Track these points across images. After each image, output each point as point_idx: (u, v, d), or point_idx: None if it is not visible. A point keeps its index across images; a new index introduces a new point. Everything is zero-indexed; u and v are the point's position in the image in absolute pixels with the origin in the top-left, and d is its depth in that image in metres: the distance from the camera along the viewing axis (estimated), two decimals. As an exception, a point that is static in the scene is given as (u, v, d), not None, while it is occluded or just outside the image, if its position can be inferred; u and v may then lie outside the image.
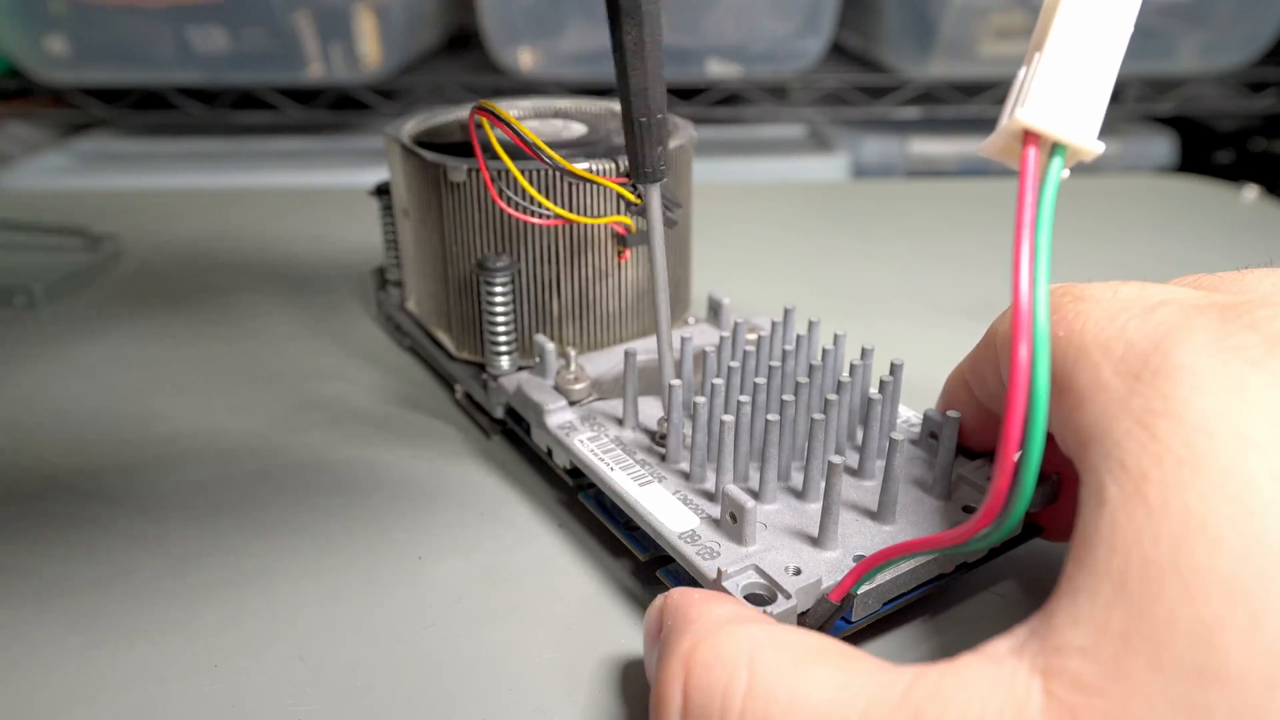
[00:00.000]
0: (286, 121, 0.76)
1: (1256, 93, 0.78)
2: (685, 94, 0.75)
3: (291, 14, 0.67)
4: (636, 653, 0.22)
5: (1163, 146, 0.78)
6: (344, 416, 0.32)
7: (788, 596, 0.20)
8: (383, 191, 0.35)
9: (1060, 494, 0.23)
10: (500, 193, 0.27)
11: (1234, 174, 0.79)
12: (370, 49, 0.69)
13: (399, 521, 0.27)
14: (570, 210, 0.28)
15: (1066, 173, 0.16)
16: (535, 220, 0.27)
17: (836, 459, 0.21)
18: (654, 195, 0.25)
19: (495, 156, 0.26)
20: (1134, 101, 0.79)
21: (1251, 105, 0.78)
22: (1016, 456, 0.15)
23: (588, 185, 0.28)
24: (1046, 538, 0.24)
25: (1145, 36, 0.72)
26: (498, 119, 0.25)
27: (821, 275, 0.46)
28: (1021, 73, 0.16)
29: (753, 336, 0.30)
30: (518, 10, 0.68)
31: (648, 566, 0.23)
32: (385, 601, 0.23)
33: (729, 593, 0.20)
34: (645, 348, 0.30)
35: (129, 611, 0.23)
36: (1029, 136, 0.15)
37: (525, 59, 0.70)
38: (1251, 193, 0.58)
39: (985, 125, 0.81)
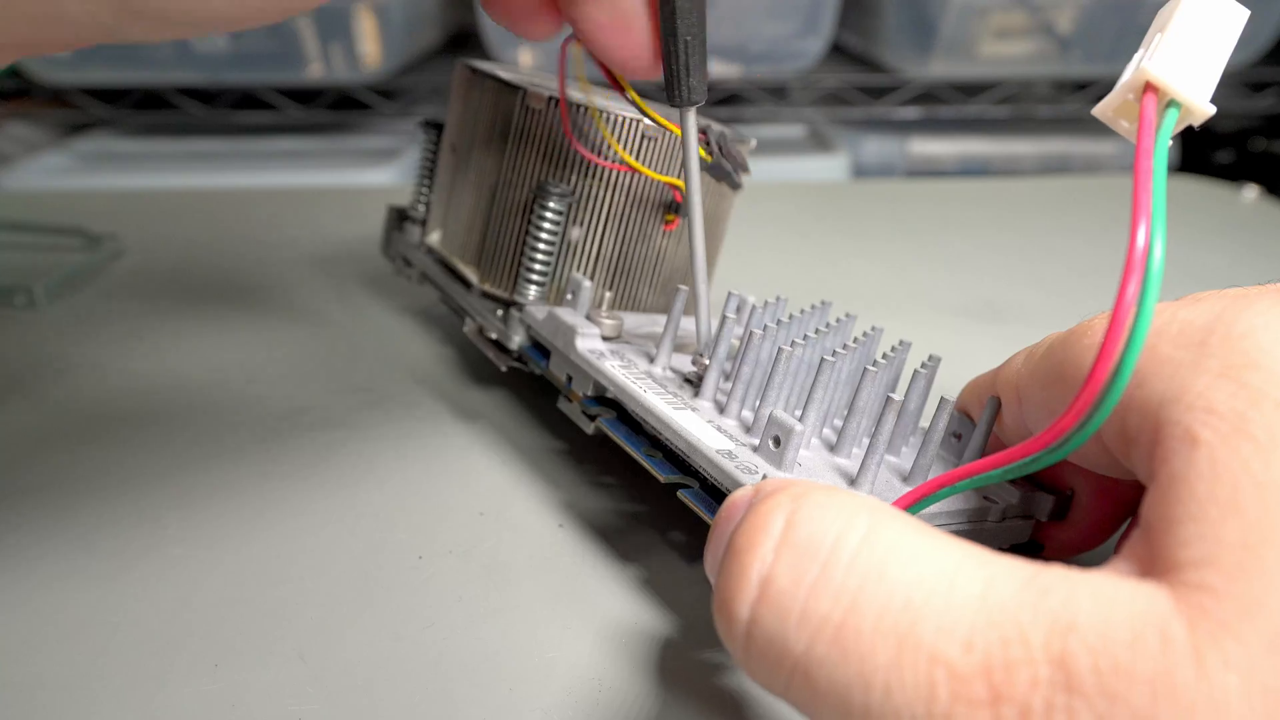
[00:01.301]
0: (286, 121, 0.76)
1: (1256, 93, 0.78)
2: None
3: (291, 14, 0.67)
4: (638, 652, 0.22)
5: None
6: (343, 415, 0.32)
7: None
8: (432, 125, 0.35)
9: (1069, 512, 0.22)
10: (574, 127, 0.28)
11: (1234, 174, 0.79)
12: (370, 49, 0.70)
13: (399, 521, 0.27)
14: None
15: (1171, 142, 0.16)
16: (601, 162, 0.28)
17: (897, 396, 0.20)
18: (690, 119, 0.25)
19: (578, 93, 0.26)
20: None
21: (1251, 105, 0.78)
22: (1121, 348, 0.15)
23: (658, 143, 0.28)
24: (1045, 556, 0.23)
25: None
26: (611, 77, 0.25)
27: (821, 275, 0.46)
28: (1140, 53, 0.17)
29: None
30: (518, 10, 0.68)
31: (667, 491, 0.22)
32: (385, 601, 0.23)
33: None
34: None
35: (128, 611, 0.23)
36: (1149, 89, 0.16)
37: (525, 59, 0.70)
38: (1251, 193, 0.58)
39: (985, 125, 0.81)
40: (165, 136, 0.78)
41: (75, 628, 0.23)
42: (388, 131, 0.81)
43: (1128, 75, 0.17)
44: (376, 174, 0.69)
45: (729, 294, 0.27)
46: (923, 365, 0.24)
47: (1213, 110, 0.17)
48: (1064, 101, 0.80)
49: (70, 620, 0.23)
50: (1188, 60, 0.17)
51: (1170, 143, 0.16)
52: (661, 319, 0.30)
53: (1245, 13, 0.17)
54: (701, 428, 0.22)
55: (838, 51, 0.82)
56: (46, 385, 0.34)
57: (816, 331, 0.25)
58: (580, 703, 0.20)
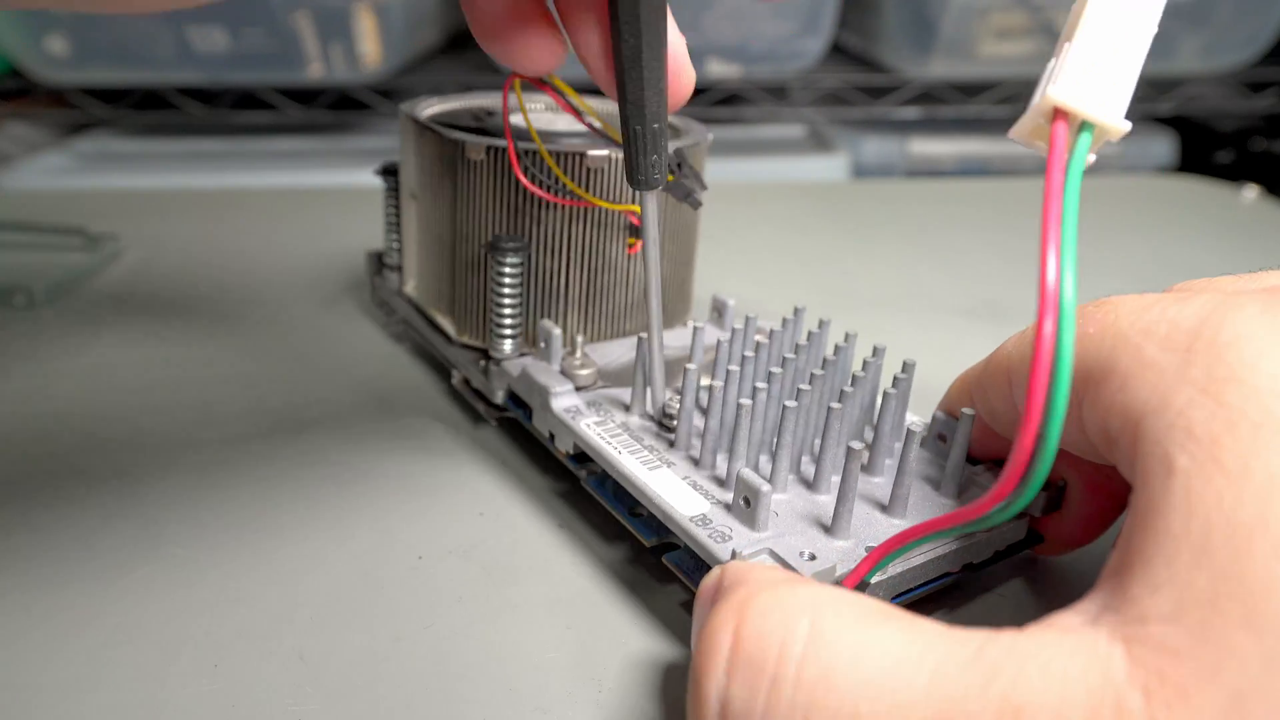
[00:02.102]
0: (286, 121, 0.76)
1: (1256, 93, 0.78)
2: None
3: (291, 14, 0.67)
4: (638, 652, 0.22)
5: (1163, 146, 0.78)
6: (343, 415, 0.32)
7: None
8: (389, 172, 0.34)
9: (1064, 503, 0.22)
10: (524, 170, 0.27)
11: (1234, 174, 0.79)
12: (370, 49, 0.70)
13: (399, 521, 0.27)
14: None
15: (1092, 157, 0.16)
16: (555, 199, 0.27)
17: (856, 444, 0.20)
18: (650, 203, 0.25)
19: (523, 136, 0.26)
20: (1134, 101, 0.78)
21: (1251, 105, 0.78)
22: (1038, 424, 0.15)
23: (608, 171, 0.28)
24: (1044, 550, 0.24)
25: (1145, 36, 0.72)
26: (543, 83, 0.25)
27: (821, 275, 0.46)
28: (1052, 63, 0.17)
29: (762, 334, 0.30)
30: (518, 10, 0.68)
31: (652, 553, 0.23)
32: (385, 601, 0.23)
33: None
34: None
35: (128, 611, 0.23)
36: (1059, 115, 0.16)
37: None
38: (1251, 193, 0.58)
39: (985, 125, 0.81)
40: (165, 136, 0.78)
41: (75, 628, 0.22)
42: (388, 132, 0.81)
43: (1038, 96, 0.16)
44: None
45: (695, 327, 0.27)
46: (899, 374, 0.24)
47: (1128, 126, 0.16)
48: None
49: (70, 620, 0.23)
50: (1097, 74, 0.16)
51: (1090, 160, 0.16)
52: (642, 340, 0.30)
53: (1160, 3, 0.17)
54: (676, 489, 0.23)
55: (838, 51, 0.82)
56: (46, 385, 0.34)
57: (784, 361, 0.25)
58: (580, 703, 0.20)
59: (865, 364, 0.25)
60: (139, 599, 0.23)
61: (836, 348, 0.26)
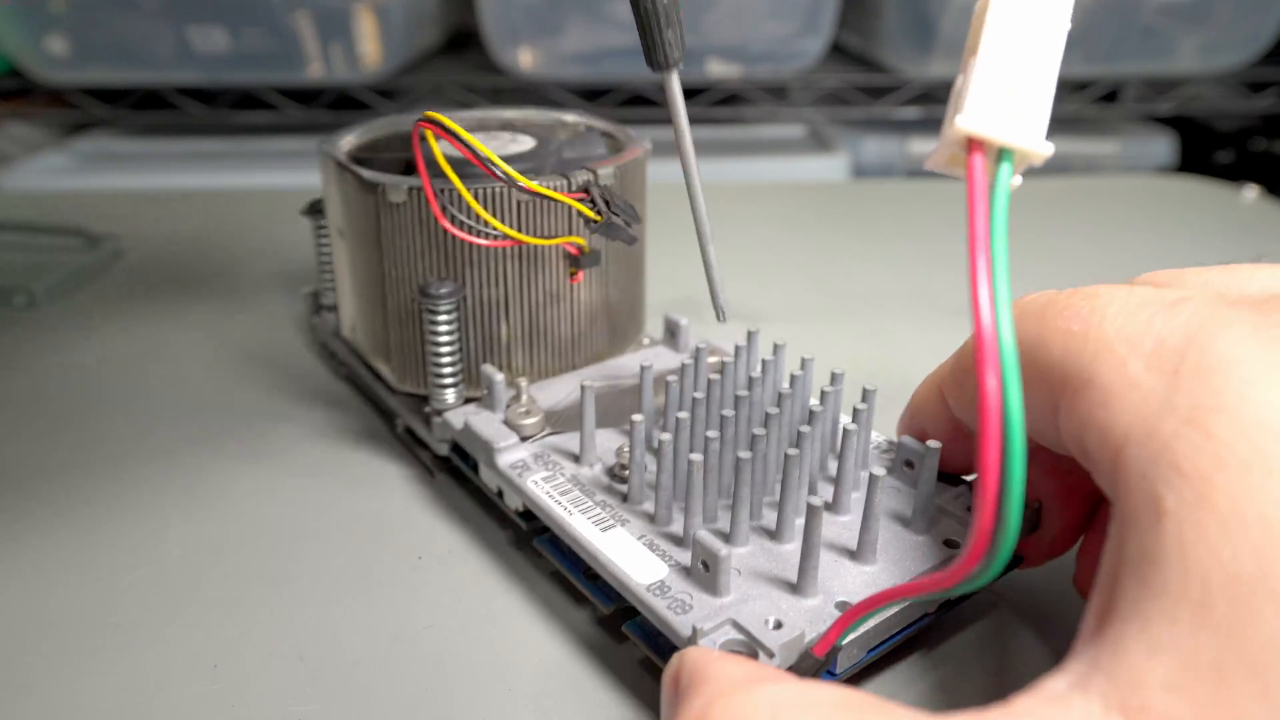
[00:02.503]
0: (286, 121, 0.76)
1: (1256, 93, 0.78)
2: (685, 94, 0.74)
3: (291, 14, 0.67)
4: (639, 653, 0.22)
5: (1163, 146, 0.78)
6: (345, 416, 0.32)
7: (770, 655, 0.18)
8: (315, 210, 0.32)
9: (1041, 521, 0.22)
10: (445, 212, 0.25)
11: (1234, 174, 0.79)
12: (370, 49, 0.69)
13: (400, 522, 0.27)
14: (520, 230, 0.26)
15: (1018, 179, 0.15)
16: (483, 242, 0.26)
17: (815, 500, 0.19)
18: (673, 82, 0.24)
19: (441, 173, 0.24)
20: (1134, 101, 0.79)
21: (1251, 105, 0.78)
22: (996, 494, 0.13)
23: (539, 203, 0.26)
24: (1025, 566, 0.23)
25: (1145, 36, 0.72)
26: (445, 131, 0.24)
27: (821, 275, 0.46)
28: (959, 80, 0.16)
29: (714, 360, 0.28)
30: (518, 10, 0.68)
31: (614, 617, 0.22)
32: (385, 601, 0.23)
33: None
34: (599, 374, 0.28)
35: (128, 612, 0.23)
36: (973, 144, 0.15)
37: (525, 59, 0.70)
38: (1251, 193, 0.58)
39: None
40: (165, 136, 0.78)
41: (75, 628, 0.23)
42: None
43: (947, 124, 0.15)
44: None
45: (642, 367, 0.25)
46: (859, 404, 0.23)
47: (1050, 150, 0.15)
48: (1064, 101, 0.80)
49: (70, 620, 0.23)
50: (1008, 96, 0.15)
51: (1015, 184, 0.14)
52: (593, 373, 0.29)
53: (1066, 10, 0.15)
54: (631, 551, 0.21)
55: (838, 51, 0.82)
56: (46, 385, 0.34)
57: (737, 401, 0.23)
58: (580, 703, 0.20)
59: (824, 394, 0.24)
60: (139, 599, 0.23)
61: (793, 377, 0.24)
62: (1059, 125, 0.81)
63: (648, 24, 0.23)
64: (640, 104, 0.73)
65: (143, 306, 0.41)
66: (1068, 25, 0.15)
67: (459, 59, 0.82)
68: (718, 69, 0.73)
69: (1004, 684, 0.21)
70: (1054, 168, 0.78)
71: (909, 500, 0.23)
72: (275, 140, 0.77)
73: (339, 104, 0.76)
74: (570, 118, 0.34)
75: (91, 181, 0.69)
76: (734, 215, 0.54)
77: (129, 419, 0.32)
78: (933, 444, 0.21)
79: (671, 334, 0.31)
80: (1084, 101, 0.77)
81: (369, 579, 0.24)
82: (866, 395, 0.24)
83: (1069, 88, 0.83)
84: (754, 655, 0.18)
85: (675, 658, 0.18)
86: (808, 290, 0.44)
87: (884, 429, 0.25)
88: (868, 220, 0.55)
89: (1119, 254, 0.49)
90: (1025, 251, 0.50)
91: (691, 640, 0.19)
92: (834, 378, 0.24)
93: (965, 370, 0.21)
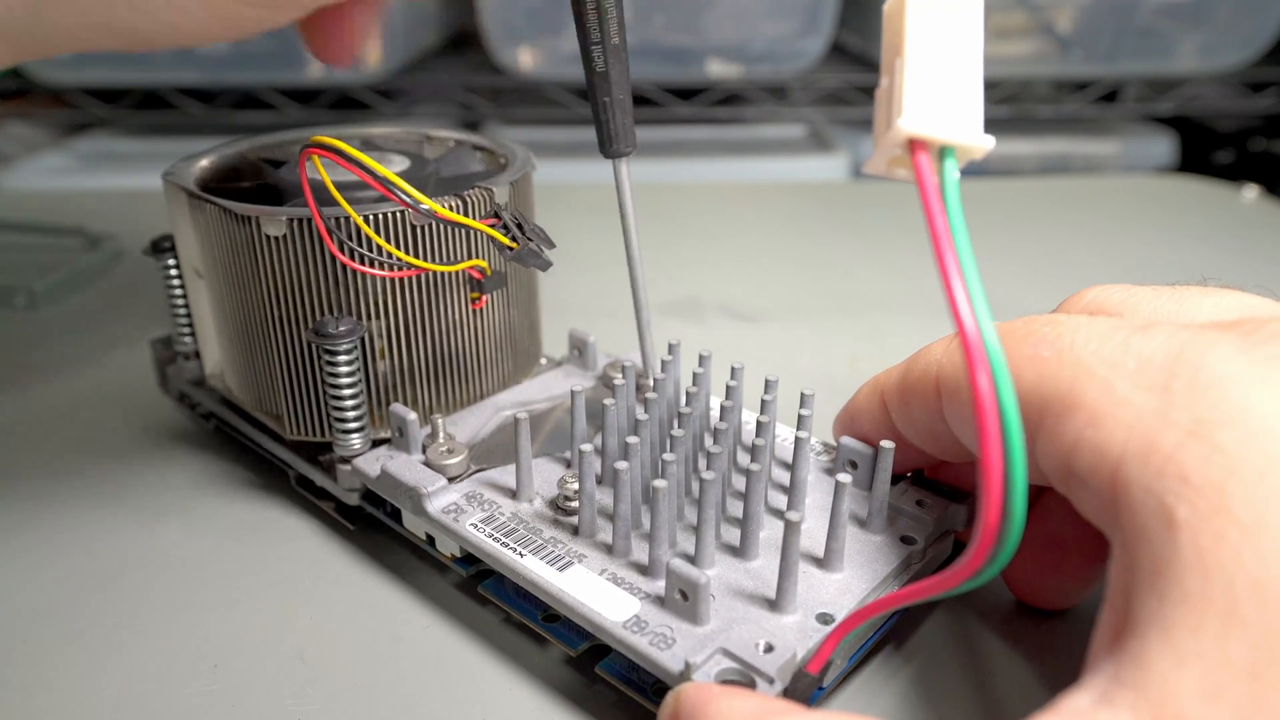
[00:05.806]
0: (286, 121, 0.76)
1: (1256, 93, 0.78)
2: (685, 94, 0.75)
3: (291, 14, 0.67)
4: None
5: (1163, 146, 0.78)
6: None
7: (770, 681, 0.17)
8: (161, 250, 0.29)
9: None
10: (339, 244, 0.23)
11: (1234, 174, 0.79)
12: (370, 49, 0.69)
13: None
14: (418, 256, 0.24)
15: (957, 174, 0.15)
16: (382, 273, 0.24)
17: (794, 516, 0.19)
18: (623, 169, 0.24)
19: (328, 202, 0.23)
20: (1134, 101, 0.79)
21: (1251, 105, 0.78)
22: (1001, 488, 0.14)
23: (435, 227, 0.24)
24: (1014, 592, 0.23)
25: (1145, 36, 0.72)
26: (339, 155, 0.22)
27: (821, 275, 0.46)
28: (884, 82, 0.16)
29: (645, 383, 0.27)
30: (518, 10, 0.68)
31: (582, 659, 0.21)
32: (385, 601, 0.23)
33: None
34: (514, 401, 0.27)
35: (128, 612, 0.23)
36: (915, 145, 0.15)
37: (525, 59, 0.70)
38: (1251, 193, 0.58)
39: (985, 125, 0.81)
40: (165, 136, 0.78)
41: (75, 628, 0.23)
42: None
43: (884, 128, 0.15)
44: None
45: (573, 391, 0.24)
46: (801, 410, 0.23)
47: (990, 143, 0.15)
48: (1064, 101, 0.80)
49: (70, 620, 0.23)
50: (941, 94, 0.15)
51: (957, 176, 0.15)
52: (507, 400, 0.27)
53: (978, 7, 0.15)
54: (596, 589, 0.20)
55: (838, 51, 0.82)
56: (46, 385, 0.34)
57: (681, 418, 0.22)
58: (580, 703, 0.20)
59: (763, 403, 0.23)
60: (139, 599, 0.23)
61: (728, 388, 0.24)
62: (1059, 125, 0.81)
63: (609, 116, 0.23)
64: (640, 104, 0.73)
65: (142, 306, 0.41)
66: (981, 19, 0.15)
67: (459, 59, 0.82)
68: (718, 69, 0.73)
69: (978, 669, 0.21)
70: (1054, 168, 0.78)
71: (862, 501, 0.23)
72: (275, 140, 0.77)
73: (339, 104, 0.76)
74: (437, 133, 0.32)
75: (91, 181, 0.69)
76: (734, 215, 0.54)
77: (128, 420, 0.32)
78: (886, 444, 0.21)
79: (579, 351, 0.29)
80: (1084, 101, 0.77)
81: (370, 578, 0.24)
82: (805, 400, 0.23)
83: (1069, 88, 0.83)
84: (751, 683, 0.17)
85: (670, 697, 0.17)
86: (807, 290, 0.44)
87: (819, 433, 0.25)
88: (868, 220, 0.55)
89: (1119, 254, 0.49)
90: (1025, 252, 0.50)
91: (684, 676, 0.18)
92: (768, 385, 0.24)
93: (911, 390, 0.21)
